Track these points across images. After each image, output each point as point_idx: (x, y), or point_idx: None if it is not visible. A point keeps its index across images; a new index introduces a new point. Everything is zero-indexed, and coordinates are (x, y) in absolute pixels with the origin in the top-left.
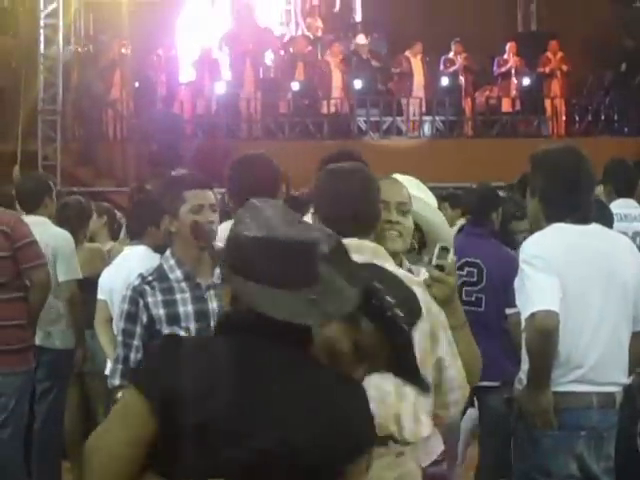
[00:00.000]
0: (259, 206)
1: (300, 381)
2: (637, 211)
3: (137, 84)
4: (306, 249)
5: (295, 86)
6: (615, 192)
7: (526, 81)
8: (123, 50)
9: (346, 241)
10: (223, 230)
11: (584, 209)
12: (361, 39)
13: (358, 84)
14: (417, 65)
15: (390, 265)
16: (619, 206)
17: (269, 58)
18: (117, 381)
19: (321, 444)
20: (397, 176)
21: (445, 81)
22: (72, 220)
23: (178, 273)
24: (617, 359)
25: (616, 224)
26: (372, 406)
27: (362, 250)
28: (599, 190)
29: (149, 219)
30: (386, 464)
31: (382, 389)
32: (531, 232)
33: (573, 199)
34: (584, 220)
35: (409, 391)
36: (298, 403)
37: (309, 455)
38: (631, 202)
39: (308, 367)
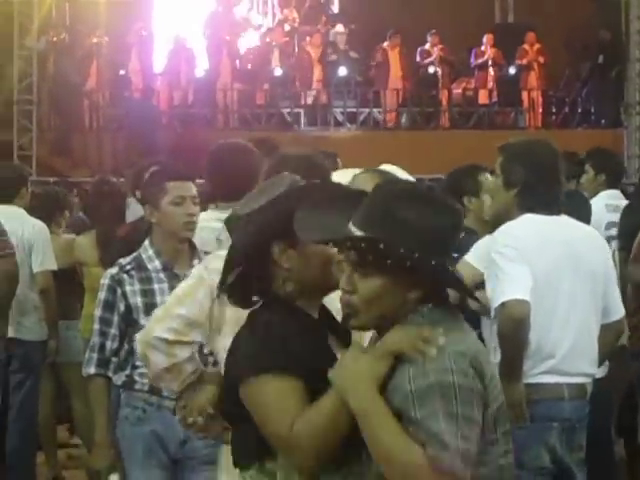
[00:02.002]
0: None
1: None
2: (625, 202)
3: (122, 72)
4: None
5: (278, 71)
6: (607, 183)
7: (503, 73)
8: (98, 41)
9: None
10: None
11: (559, 201)
12: (340, 28)
13: (336, 75)
14: (394, 57)
15: None
16: (612, 197)
17: (246, 48)
18: (92, 369)
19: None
20: (385, 166)
21: (422, 72)
22: (38, 210)
23: (157, 263)
24: (587, 350)
25: (609, 214)
26: None
27: None
28: (584, 178)
29: None
30: None
31: None
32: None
33: (553, 191)
34: (557, 212)
35: None
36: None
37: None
38: (619, 193)
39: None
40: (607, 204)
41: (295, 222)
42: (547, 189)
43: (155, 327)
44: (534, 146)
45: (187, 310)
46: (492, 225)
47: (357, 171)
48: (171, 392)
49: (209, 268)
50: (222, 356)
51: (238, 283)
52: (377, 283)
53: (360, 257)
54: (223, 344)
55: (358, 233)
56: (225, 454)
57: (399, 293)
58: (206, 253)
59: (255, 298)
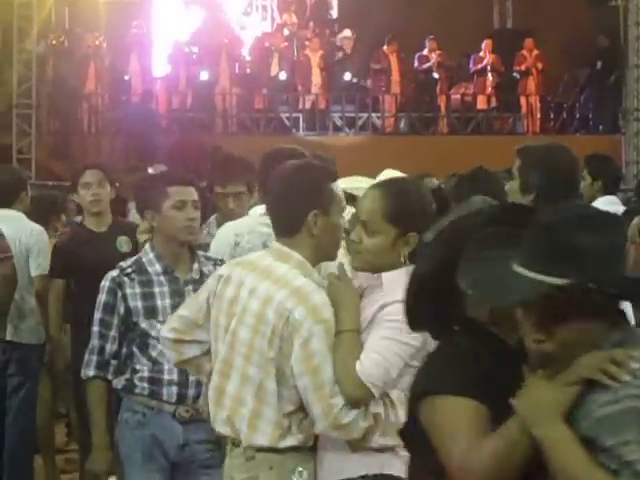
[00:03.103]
0: None
1: None
2: (621, 208)
3: (127, 77)
4: None
5: (282, 76)
6: (604, 189)
7: (502, 78)
8: (97, 43)
9: (277, 245)
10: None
11: None
12: (347, 32)
13: (342, 79)
14: (394, 62)
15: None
16: (609, 202)
17: (245, 53)
18: (92, 372)
19: None
20: (387, 172)
21: (420, 78)
22: (34, 214)
23: (157, 266)
24: None
25: None
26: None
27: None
28: (582, 184)
29: None
30: (237, 465)
31: (222, 390)
32: None
33: (570, 199)
34: None
35: (249, 399)
36: None
37: None
38: (616, 199)
39: None
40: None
41: (472, 287)
42: (564, 196)
43: (164, 327)
44: (553, 152)
45: (188, 311)
46: None
47: (359, 178)
48: (170, 397)
49: (214, 275)
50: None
51: (432, 313)
52: (577, 326)
53: (563, 304)
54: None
55: (545, 278)
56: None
57: (596, 326)
58: (220, 261)
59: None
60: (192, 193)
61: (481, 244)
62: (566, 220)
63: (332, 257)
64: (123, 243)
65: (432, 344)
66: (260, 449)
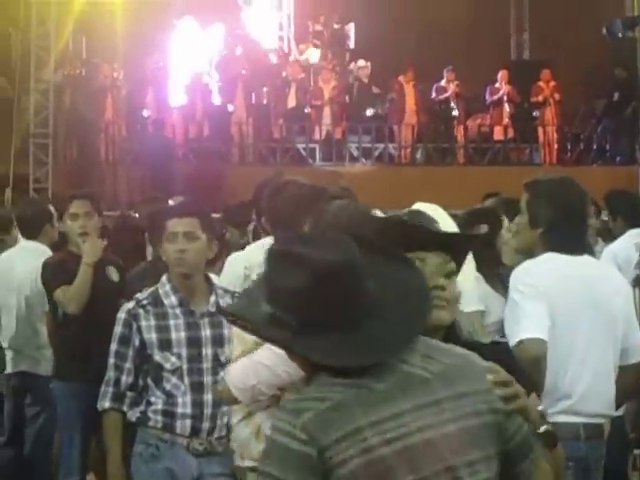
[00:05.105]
0: None
1: None
2: None
3: (146, 113)
4: None
5: (299, 106)
6: (626, 223)
7: (518, 109)
8: (115, 74)
9: None
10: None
11: (584, 241)
12: (362, 62)
13: (361, 110)
14: (410, 91)
15: None
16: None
17: (262, 83)
18: (107, 403)
19: None
20: (419, 205)
21: (438, 108)
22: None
23: (173, 299)
24: (605, 390)
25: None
26: None
27: None
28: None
29: None
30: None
31: None
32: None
33: (579, 233)
34: (580, 252)
35: None
36: None
37: None
38: None
39: None
40: (637, 243)
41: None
42: (572, 230)
43: None
44: (561, 186)
45: None
46: (516, 262)
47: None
48: (184, 430)
49: None
50: None
51: None
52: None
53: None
54: None
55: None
56: None
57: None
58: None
59: None
60: (186, 224)
61: None
62: (271, 254)
63: None
64: (112, 272)
65: None
66: (244, 469)
